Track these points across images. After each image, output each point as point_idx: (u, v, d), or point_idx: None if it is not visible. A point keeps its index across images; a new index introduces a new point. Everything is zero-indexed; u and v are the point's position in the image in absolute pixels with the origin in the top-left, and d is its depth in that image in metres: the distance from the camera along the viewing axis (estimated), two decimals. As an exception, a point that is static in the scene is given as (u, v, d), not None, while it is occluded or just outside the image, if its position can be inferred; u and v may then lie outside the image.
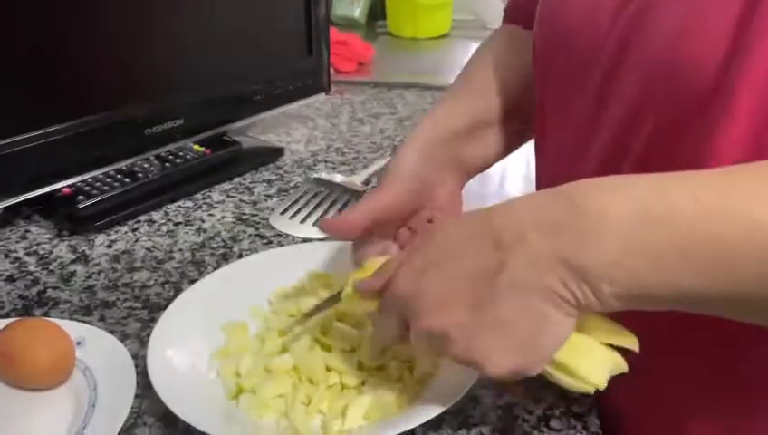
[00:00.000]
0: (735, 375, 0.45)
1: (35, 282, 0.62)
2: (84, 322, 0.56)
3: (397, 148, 0.55)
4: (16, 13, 0.63)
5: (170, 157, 0.78)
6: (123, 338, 0.54)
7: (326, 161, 0.87)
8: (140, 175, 0.74)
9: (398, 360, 0.50)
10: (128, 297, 0.60)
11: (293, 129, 0.98)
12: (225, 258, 0.66)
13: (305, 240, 0.68)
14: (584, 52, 0.47)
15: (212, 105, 0.84)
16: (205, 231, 0.71)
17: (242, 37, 0.84)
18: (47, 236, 0.70)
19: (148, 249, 0.68)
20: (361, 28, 1.50)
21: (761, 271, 0.32)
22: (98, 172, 0.74)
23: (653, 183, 0.35)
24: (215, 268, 0.63)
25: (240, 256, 0.66)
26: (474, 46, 0.64)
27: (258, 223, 0.72)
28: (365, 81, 1.20)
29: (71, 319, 0.56)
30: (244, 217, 0.74)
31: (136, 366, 0.49)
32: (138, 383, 0.48)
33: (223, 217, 0.74)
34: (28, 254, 0.67)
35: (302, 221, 0.72)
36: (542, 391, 0.49)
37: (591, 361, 0.39)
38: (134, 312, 0.58)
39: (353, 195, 0.76)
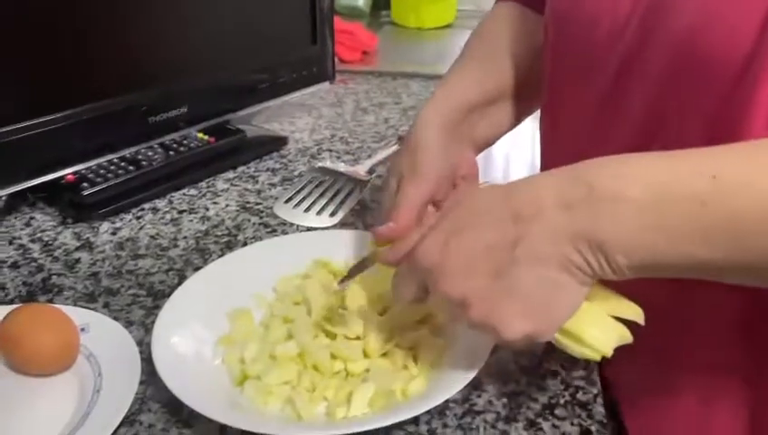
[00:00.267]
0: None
1: (40, 268, 0.63)
2: (89, 309, 0.56)
3: (414, 125, 0.56)
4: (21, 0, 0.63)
5: (174, 145, 0.78)
6: (127, 325, 0.54)
7: (330, 150, 0.87)
8: (144, 163, 0.74)
9: (403, 348, 0.50)
10: (132, 284, 0.60)
11: (297, 118, 0.97)
12: (230, 246, 0.66)
13: (309, 229, 0.68)
14: (604, 37, 0.47)
15: (216, 94, 0.84)
16: (209, 219, 0.71)
17: (246, 26, 0.84)
18: (51, 223, 0.70)
19: (152, 237, 0.67)
20: (365, 18, 1.49)
21: None
22: (102, 160, 0.73)
23: (669, 161, 0.36)
24: (219, 256, 0.63)
25: (244, 245, 0.66)
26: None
27: (262, 212, 0.72)
28: (369, 70, 1.20)
29: (75, 306, 0.56)
30: (248, 205, 0.74)
31: (140, 353, 0.49)
32: (142, 370, 0.48)
33: (227, 206, 0.73)
34: (32, 241, 0.67)
35: (306, 210, 0.72)
36: (546, 379, 0.49)
37: (598, 329, 0.41)
38: (138, 299, 0.58)
39: (357, 184, 0.76)
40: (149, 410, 0.47)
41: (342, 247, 0.60)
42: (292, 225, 0.70)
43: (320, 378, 0.48)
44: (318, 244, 0.61)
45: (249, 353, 0.50)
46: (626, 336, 0.42)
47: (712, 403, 0.48)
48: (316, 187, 0.76)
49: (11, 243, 0.67)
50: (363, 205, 0.72)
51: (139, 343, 0.51)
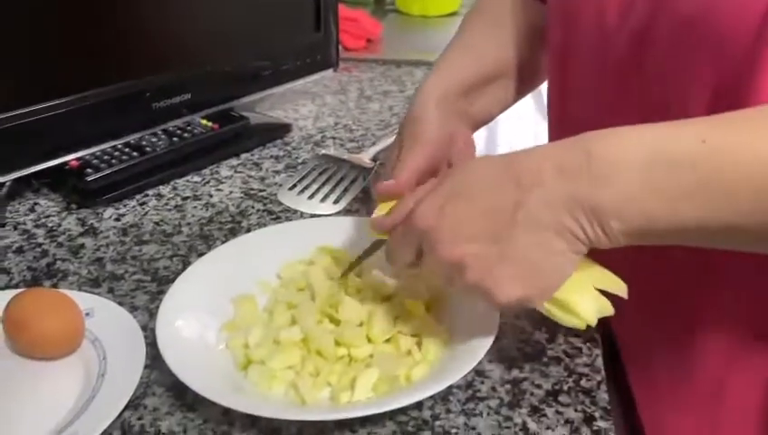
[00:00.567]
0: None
1: (44, 254, 0.63)
2: (93, 294, 0.56)
3: (414, 98, 0.58)
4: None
5: (178, 131, 0.78)
6: (132, 310, 0.54)
7: (334, 138, 0.87)
8: (148, 149, 0.74)
9: (407, 334, 0.50)
10: (136, 270, 0.60)
11: (301, 105, 0.97)
12: (234, 233, 0.66)
13: (313, 216, 0.68)
14: (614, 12, 0.47)
15: (220, 80, 0.83)
16: (213, 206, 0.71)
17: (250, 13, 0.83)
18: (55, 208, 0.70)
19: (156, 223, 0.67)
20: (370, 5, 1.49)
21: (762, 202, 0.35)
22: (106, 146, 0.73)
23: (662, 129, 0.38)
24: (223, 242, 0.63)
25: (248, 232, 0.66)
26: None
27: (266, 198, 0.72)
28: (373, 58, 1.19)
29: (79, 291, 0.56)
30: (252, 192, 0.74)
31: (145, 338, 0.49)
32: (146, 354, 0.48)
33: (231, 193, 0.73)
34: (37, 226, 0.67)
35: (310, 197, 0.72)
36: (550, 366, 0.49)
37: (584, 299, 0.43)
38: (142, 284, 0.58)
39: (361, 172, 0.76)
40: (154, 394, 0.47)
41: (346, 234, 0.60)
42: (296, 212, 0.70)
43: (323, 363, 0.48)
44: (322, 230, 0.60)
45: (253, 338, 0.50)
46: (608, 308, 0.44)
47: (729, 370, 0.48)
48: (320, 174, 0.76)
49: (15, 228, 0.67)
50: (367, 192, 0.72)
51: (144, 328, 0.51)
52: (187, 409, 0.46)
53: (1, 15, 0.62)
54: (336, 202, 0.71)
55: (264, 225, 0.67)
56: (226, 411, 0.45)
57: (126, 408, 0.45)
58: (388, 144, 0.82)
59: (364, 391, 0.46)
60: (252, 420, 0.44)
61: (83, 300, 0.52)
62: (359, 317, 0.51)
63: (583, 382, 0.48)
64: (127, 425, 0.45)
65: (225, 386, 0.46)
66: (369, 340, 0.50)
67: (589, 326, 0.44)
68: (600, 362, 0.50)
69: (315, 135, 0.88)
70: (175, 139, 0.77)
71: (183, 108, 0.80)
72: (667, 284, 0.49)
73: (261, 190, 0.74)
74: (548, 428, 0.44)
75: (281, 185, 0.75)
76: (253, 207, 0.70)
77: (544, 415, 0.45)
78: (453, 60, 0.59)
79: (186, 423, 0.45)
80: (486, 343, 0.46)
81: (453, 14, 1.47)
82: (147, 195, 0.73)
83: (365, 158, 0.79)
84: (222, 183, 0.75)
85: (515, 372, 0.49)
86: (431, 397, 0.45)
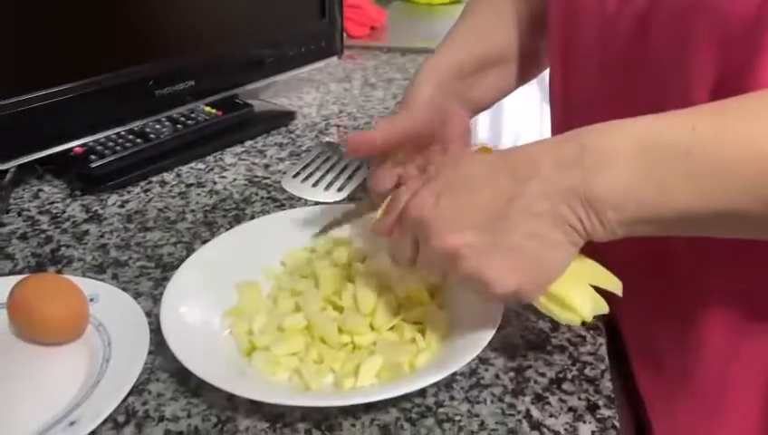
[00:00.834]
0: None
1: (48, 240, 0.63)
2: (97, 280, 0.56)
3: (412, 79, 0.58)
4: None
5: (182, 118, 0.78)
6: (136, 296, 0.54)
7: (338, 126, 0.87)
8: (152, 136, 0.74)
9: (410, 322, 0.50)
10: (140, 256, 0.60)
11: (305, 93, 0.97)
12: (238, 220, 0.66)
13: (317, 203, 0.68)
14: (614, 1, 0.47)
15: (224, 67, 0.83)
16: (217, 193, 0.71)
17: (254, -2, 0.83)
18: (60, 195, 0.70)
19: (160, 210, 0.67)
20: (374, -7, 1.48)
21: (754, 186, 0.36)
22: (110, 132, 0.73)
23: (654, 120, 0.38)
24: (227, 229, 0.63)
25: (252, 219, 0.65)
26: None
27: (270, 186, 0.72)
28: (378, 46, 1.19)
29: (84, 277, 0.56)
30: (256, 179, 0.73)
31: (149, 324, 0.50)
32: (151, 340, 0.48)
33: (235, 180, 0.73)
34: (41, 212, 0.67)
35: (314, 185, 0.72)
36: (554, 354, 0.49)
37: (580, 295, 0.43)
38: (146, 271, 0.58)
39: (365, 160, 0.75)
40: (158, 380, 0.47)
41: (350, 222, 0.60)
42: (299, 199, 0.70)
43: (327, 350, 0.48)
44: (326, 218, 0.60)
45: (257, 325, 0.50)
46: (603, 306, 0.44)
47: (732, 355, 0.48)
48: (324, 162, 0.76)
49: (20, 214, 0.67)
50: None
51: (148, 314, 0.51)
52: (191, 394, 0.46)
53: (4, 1, 0.62)
54: (340, 190, 0.71)
55: (268, 212, 0.67)
56: (230, 397, 0.45)
57: (130, 393, 0.45)
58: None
59: (368, 377, 0.46)
60: (256, 406, 0.45)
61: (88, 286, 0.52)
62: (363, 305, 0.51)
63: (587, 371, 0.48)
64: (131, 410, 0.45)
65: (229, 372, 0.46)
66: (373, 328, 0.50)
67: (584, 322, 0.44)
68: (603, 350, 0.50)
69: (319, 123, 0.87)
70: (179, 126, 0.77)
71: (187, 95, 0.79)
72: (667, 272, 0.49)
73: (265, 178, 0.74)
74: (551, 416, 0.44)
75: (285, 172, 0.74)
76: (257, 195, 0.70)
77: (548, 403, 0.45)
78: (454, 41, 0.59)
79: (190, 409, 0.45)
80: (490, 330, 0.46)
81: (457, 1, 1.46)
82: (151, 182, 0.73)
83: (369, 146, 0.78)
84: (226, 170, 0.75)
85: (519, 360, 0.49)
86: (435, 384, 0.45)
